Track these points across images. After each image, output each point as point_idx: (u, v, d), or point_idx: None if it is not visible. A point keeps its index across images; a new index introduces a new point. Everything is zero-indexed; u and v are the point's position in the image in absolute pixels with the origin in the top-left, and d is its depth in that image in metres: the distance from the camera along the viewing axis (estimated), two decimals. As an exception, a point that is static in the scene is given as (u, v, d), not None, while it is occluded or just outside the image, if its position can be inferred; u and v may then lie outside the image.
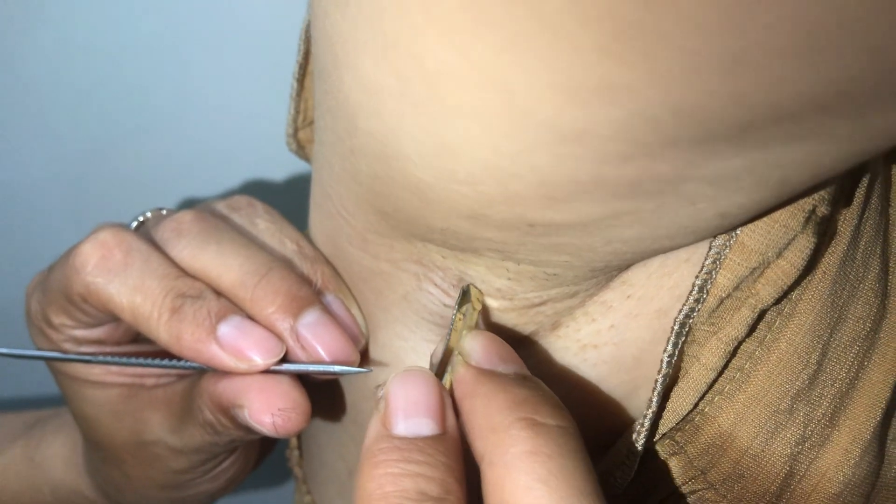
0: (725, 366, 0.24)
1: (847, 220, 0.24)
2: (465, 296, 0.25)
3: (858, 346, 0.25)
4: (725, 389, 0.24)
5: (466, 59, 0.16)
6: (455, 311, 0.25)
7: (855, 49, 0.14)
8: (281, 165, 0.52)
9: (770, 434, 0.24)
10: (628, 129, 0.16)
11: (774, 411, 0.24)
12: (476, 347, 0.23)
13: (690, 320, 0.23)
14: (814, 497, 0.25)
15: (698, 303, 0.23)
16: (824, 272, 0.24)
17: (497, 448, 0.20)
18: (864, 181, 0.24)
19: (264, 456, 0.41)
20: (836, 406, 0.25)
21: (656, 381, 0.23)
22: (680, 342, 0.23)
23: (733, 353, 0.24)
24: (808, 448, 0.25)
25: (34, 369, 0.53)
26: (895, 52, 0.14)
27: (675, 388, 0.24)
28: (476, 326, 0.25)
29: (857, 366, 0.25)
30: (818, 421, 0.24)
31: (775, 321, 0.24)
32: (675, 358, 0.23)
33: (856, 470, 0.25)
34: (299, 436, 0.38)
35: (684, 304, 0.23)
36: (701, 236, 0.22)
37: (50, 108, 0.52)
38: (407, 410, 0.22)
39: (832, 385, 0.25)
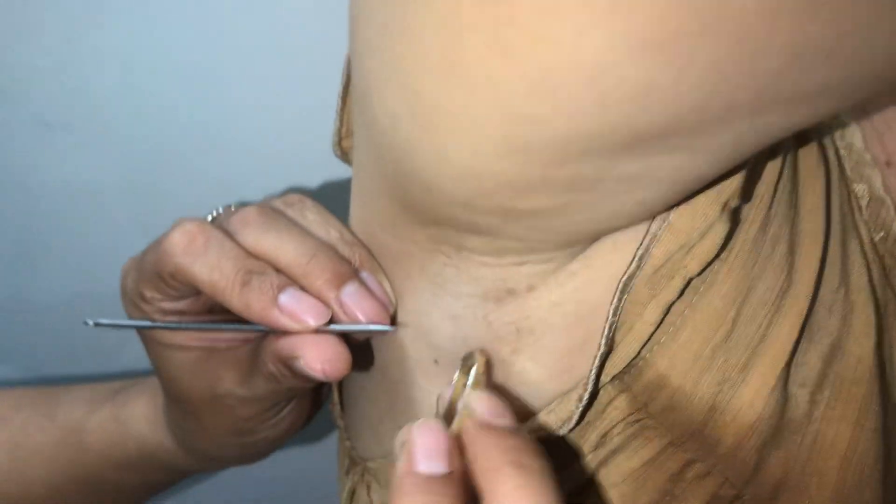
0: (661, 321, 0.32)
1: (757, 211, 0.32)
2: (466, 360, 0.33)
3: (767, 309, 0.32)
4: (662, 340, 0.32)
5: (447, 98, 0.24)
6: (458, 373, 0.33)
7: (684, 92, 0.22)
8: (328, 170, 0.60)
9: (697, 375, 0.32)
10: (556, 145, 0.24)
11: (699, 357, 0.32)
12: (480, 404, 0.30)
13: (631, 283, 0.31)
14: (732, 426, 0.32)
15: (638, 269, 0.31)
16: (739, 250, 0.32)
17: (492, 485, 0.26)
18: (772, 179, 0.32)
19: (315, 412, 0.47)
20: (748, 355, 0.32)
21: (603, 328, 0.31)
22: (623, 299, 0.31)
23: (667, 312, 0.32)
24: (727, 387, 0.32)
25: (122, 349, 0.61)
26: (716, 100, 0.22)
27: (623, 339, 0.32)
28: (479, 384, 0.32)
29: (765, 325, 0.32)
30: (734, 366, 0.32)
31: (700, 287, 0.32)
32: (620, 312, 0.31)
33: (764, 406, 0.32)
34: (340, 392, 0.45)
35: (626, 270, 0.31)
36: (633, 220, 0.30)
37: (117, 118, 0.58)
38: (426, 454, 0.28)
39: (745, 339, 0.32)
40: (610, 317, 0.31)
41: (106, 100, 0.58)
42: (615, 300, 0.31)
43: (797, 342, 0.32)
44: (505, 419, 0.30)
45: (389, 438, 0.39)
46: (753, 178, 0.32)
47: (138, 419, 0.48)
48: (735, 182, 0.31)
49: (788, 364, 0.32)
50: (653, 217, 0.31)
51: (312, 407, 0.47)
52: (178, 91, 0.58)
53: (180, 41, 0.57)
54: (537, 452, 0.28)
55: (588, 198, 0.27)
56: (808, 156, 0.34)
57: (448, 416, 0.32)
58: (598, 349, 0.32)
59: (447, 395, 0.33)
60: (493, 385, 0.34)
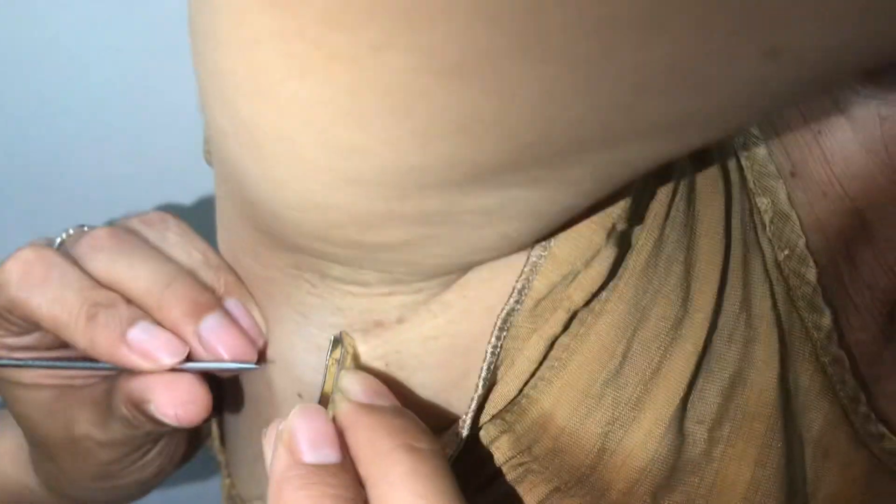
0: (545, 356, 0.29)
1: (648, 234, 0.29)
2: (336, 343, 0.30)
3: (661, 340, 0.29)
4: (546, 376, 0.29)
5: (261, 118, 0.21)
6: (328, 357, 0.30)
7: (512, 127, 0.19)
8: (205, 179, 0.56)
9: (584, 415, 0.29)
10: (388, 178, 0.21)
11: (586, 395, 0.29)
12: (355, 385, 0.28)
13: (511, 318, 0.28)
14: (623, 470, 0.30)
15: (518, 303, 0.28)
16: (629, 277, 0.29)
17: (380, 470, 0.24)
18: (665, 199, 0.29)
19: (195, 449, 0.45)
20: (640, 392, 0.29)
21: (481, 368, 0.28)
22: (502, 336, 0.28)
23: (551, 347, 0.29)
24: (617, 427, 0.29)
25: None
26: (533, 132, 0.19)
27: (503, 376, 0.29)
28: (351, 366, 0.30)
29: (658, 357, 0.29)
30: (625, 404, 0.29)
31: (587, 318, 0.29)
32: (499, 349, 0.28)
33: (659, 446, 0.29)
34: (221, 427, 0.42)
35: (506, 304, 0.28)
36: (500, 252, 0.27)
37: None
38: (313, 441, 0.26)
39: (636, 374, 0.29)
40: (488, 356, 0.28)
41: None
42: (493, 337, 0.28)
43: (694, 375, 0.30)
44: (386, 399, 0.28)
45: (265, 480, 0.36)
46: (643, 199, 0.29)
47: (1, 458, 0.45)
48: (622, 205, 0.28)
49: (685, 399, 0.30)
50: (525, 248, 0.28)
51: (189, 445, 0.44)
52: (55, 89, 0.54)
53: (62, 36, 0.53)
54: (427, 433, 0.26)
55: (443, 231, 0.24)
56: (706, 168, 0.31)
57: (322, 404, 0.29)
58: (476, 391, 0.29)
59: (317, 392, 0.30)
60: None
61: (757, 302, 0.31)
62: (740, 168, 0.33)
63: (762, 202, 0.32)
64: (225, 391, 0.39)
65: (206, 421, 0.42)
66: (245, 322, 0.34)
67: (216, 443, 0.43)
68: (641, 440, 0.29)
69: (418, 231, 0.24)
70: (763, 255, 0.32)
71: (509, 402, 0.30)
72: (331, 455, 0.26)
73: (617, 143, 0.20)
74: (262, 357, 0.34)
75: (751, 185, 0.32)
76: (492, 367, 0.28)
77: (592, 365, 0.29)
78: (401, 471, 0.24)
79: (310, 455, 0.26)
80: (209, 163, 0.40)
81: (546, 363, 0.29)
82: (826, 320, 0.32)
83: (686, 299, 0.30)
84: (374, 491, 0.25)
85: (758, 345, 0.31)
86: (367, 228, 0.23)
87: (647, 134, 0.20)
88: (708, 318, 0.30)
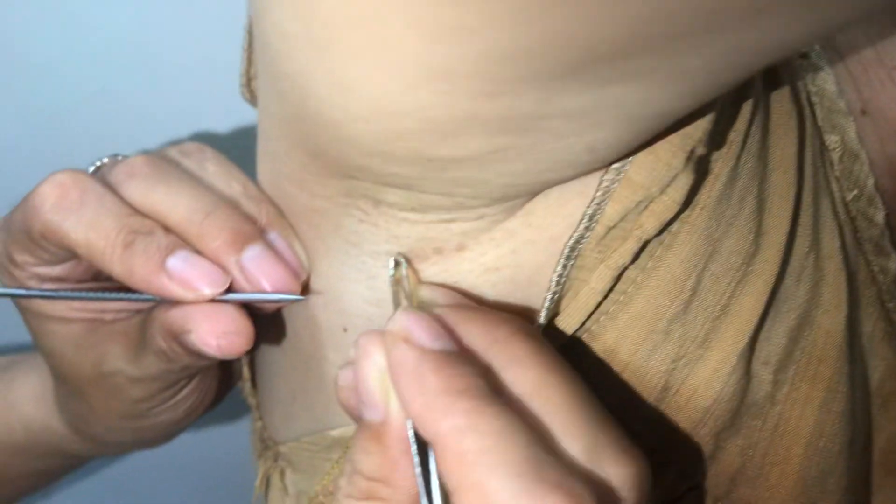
0: (611, 289, 0.28)
1: (724, 162, 0.28)
2: (397, 265, 0.29)
3: (731, 276, 0.28)
4: (610, 310, 0.28)
5: (350, 3, 0.19)
6: (391, 278, 0.29)
7: None
8: (235, 117, 0.55)
9: (649, 351, 0.28)
10: (483, 67, 0.19)
11: (652, 331, 0.28)
12: (440, 295, 0.27)
13: (580, 245, 0.27)
14: (686, 409, 0.28)
15: (588, 230, 0.27)
16: (702, 208, 0.28)
17: (506, 355, 0.24)
18: (741, 126, 0.28)
19: (225, 391, 0.44)
20: (708, 329, 0.28)
21: (545, 298, 0.27)
22: (569, 265, 0.27)
23: (618, 278, 0.28)
24: (682, 365, 0.28)
25: (6, 317, 0.56)
26: None
27: (565, 308, 0.28)
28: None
29: (728, 294, 0.28)
30: (692, 341, 0.28)
31: (656, 251, 0.28)
32: (564, 279, 0.27)
33: (724, 387, 0.28)
34: (252, 367, 0.41)
35: (575, 231, 0.27)
36: (580, 169, 0.26)
37: (11, 64, 0.54)
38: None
39: (705, 310, 0.28)
40: (553, 286, 0.27)
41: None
42: (559, 266, 0.27)
43: (763, 315, 0.28)
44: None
45: (303, 419, 0.36)
46: (722, 123, 0.27)
47: (26, 400, 0.44)
48: (702, 126, 0.26)
49: (753, 339, 0.29)
50: (605, 166, 0.26)
51: (222, 384, 0.43)
52: (65, 31, 0.53)
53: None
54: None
55: (526, 141, 0.22)
56: (780, 100, 0.30)
57: None
58: (536, 322, 0.27)
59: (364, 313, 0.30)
60: None
61: (826, 241, 0.30)
62: (810, 104, 0.31)
63: (831, 139, 0.31)
64: (258, 330, 0.38)
65: (246, 354, 0.42)
66: (287, 255, 0.33)
67: (247, 384, 0.42)
68: (706, 379, 0.28)
69: (497, 141, 0.22)
70: (832, 194, 0.31)
71: (569, 337, 0.28)
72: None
73: (742, 21, 0.18)
74: (304, 290, 0.33)
75: (820, 121, 0.31)
76: (556, 297, 0.27)
77: (660, 299, 0.28)
78: (527, 351, 0.24)
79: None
80: (247, 98, 0.39)
81: (611, 296, 0.28)
82: (893, 264, 0.31)
83: (758, 234, 0.28)
84: (506, 374, 0.24)
85: (826, 286, 0.30)
86: (441, 138, 0.22)
87: (774, 8, 0.18)
88: (779, 255, 0.28)
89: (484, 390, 0.23)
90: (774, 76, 0.30)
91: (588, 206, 0.27)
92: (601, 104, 0.21)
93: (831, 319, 0.30)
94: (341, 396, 0.28)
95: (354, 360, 0.26)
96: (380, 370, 0.25)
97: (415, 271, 0.29)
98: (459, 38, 0.19)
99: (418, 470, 0.24)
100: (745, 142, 0.28)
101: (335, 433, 0.34)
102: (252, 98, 0.39)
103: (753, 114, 0.28)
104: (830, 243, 0.30)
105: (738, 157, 0.28)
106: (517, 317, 0.25)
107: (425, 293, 0.27)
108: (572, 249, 0.27)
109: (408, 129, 0.22)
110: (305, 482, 0.37)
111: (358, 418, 0.27)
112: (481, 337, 0.25)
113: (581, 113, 0.21)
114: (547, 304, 0.27)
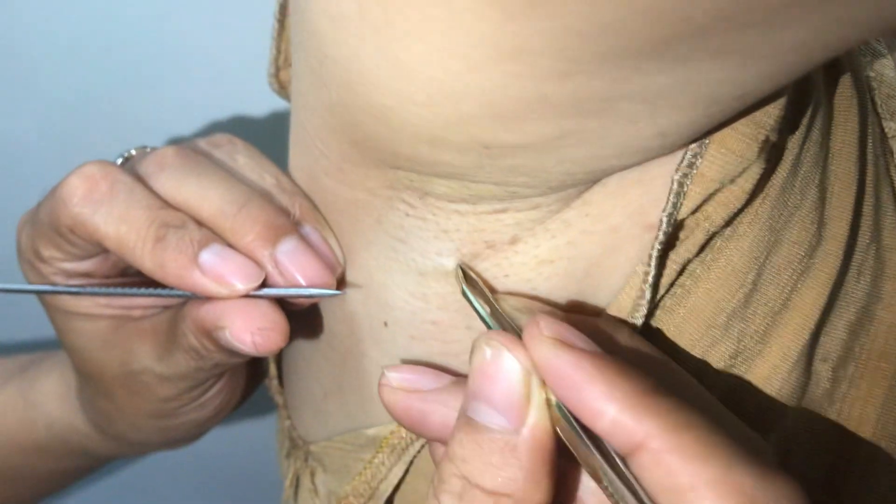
0: (673, 283, 0.27)
1: (789, 150, 0.27)
2: (464, 272, 0.28)
3: (792, 269, 0.27)
4: (667, 304, 0.27)
5: None
6: (463, 286, 0.27)
7: None
8: (263, 106, 0.54)
9: (707, 347, 0.27)
10: (560, 44, 0.18)
11: (711, 325, 0.27)
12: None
13: (674, 219, 0.25)
14: (744, 407, 0.27)
15: (664, 234, 0.25)
16: (764, 197, 0.26)
17: None
18: (807, 112, 0.27)
19: (252, 390, 0.43)
20: (768, 324, 0.27)
21: (643, 290, 0.26)
22: (652, 270, 0.25)
23: (681, 272, 0.26)
24: (741, 361, 0.27)
25: (30, 313, 0.56)
26: None
27: (620, 301, 0.27)
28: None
29: (790, 287, 0.27)
30: (751, 336, 0.27)
31: (716, 242, 0.27)
32: (652, 284, 0.26)
33: (783, 384, 0.27)
34: (279, 365, 0.41)
35: (659, 229, 0.25)
36: (646, 156, 0.24)
37: (33, 56, 0.53)
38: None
39: (766, 304, 0.27)
40: (647, 293, 0.26)
41: (21, 44, 0.52)
42: (652, 270, 0.25)
43: (824, 309, 0.27)
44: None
45: (336, 418, 0.35)
46: (789, 108, 0.26)
47: (48, 398, 0.44)
48: (774, 113, 0.25)
49: (813, 335, 0.27)
50: (673, 151, 0.25)
51: (249, 383, 0.42)
52: (92, 23, 0.52)
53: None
54: None
55: (594, 125, 0.21)
56: (841, 86, 0.29)
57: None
58: (632, 323, 0.26)
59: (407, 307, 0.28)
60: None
61: (887, 233, 0.29)
62: (870, 90, 0.30)
63: (891, 127, 0.30)
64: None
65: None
66: (322, 249, 0.32)
67: (274, 382, 0.41)
68: (765, 376, 0.27)
69: (564, 125, 0.21)
70: (893, 183, 0.30)
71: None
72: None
73: None
74: (339, 285, 0.32)
75: (879, 108, 0.30)
76: (649, 306, 0.26)
77: (720, 293, 0.27)
78: None
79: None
80: (274, 88, 0.38)
81: (669, 290, 0.27)
82: None
83: (821, 224, 0.27)
84: None
85: (887, 280, 0.29)
86: (502, 123, 0.21)
87: None
88: (841, 247, 0.27)
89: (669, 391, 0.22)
90: (834, 60, 0.29)
91: (664, 209, 0.25)
92: (681, 84, 0.20)
93: (893, 314, 0.29)
94: (387, 397, 0.27)
95: (482, 360, 0.24)
96: (525, 372, 0.23)
97: (483, 277, 0.28)
98: (537, 14, 0.18)
99: (611, 477, 0.22)
100: (808, 128, 0.27)
101: (371, 432, 0.33)
102: (280, 88, 0.38)
103: (816, 99, 0.27)
104: (891, 235, 0.29)
105: (802, 145, 0.27)
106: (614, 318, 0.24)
107: (508, 303, 0.26)
108: (665, 238, 0.26)
109: (467, 114, 0.21)
110: (336, 483, 0.36)
111: (404, 418, 0.26)
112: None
113: (658, 94, 0.20)
114: (642, 311, 0.26)
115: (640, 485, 0.21)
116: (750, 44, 0.19)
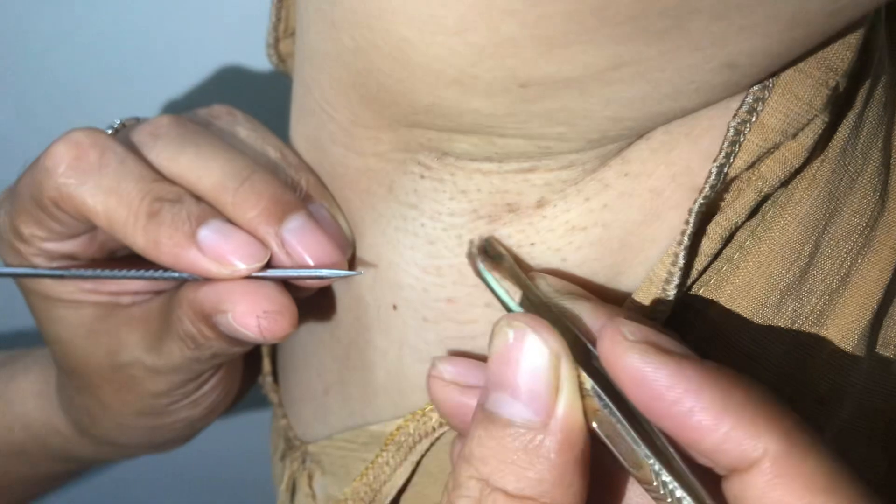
0: (717, 253, 0.24)
1: (852, 106, 0.25)
2: (482, 247, 0.26)
3: (853, 240, 0.25)
4: (712, 281, 0.25)
5: None
6: (480, 264, 0.25)
7: None
8: (260, 83, 0.53)
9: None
10: None
11: (762, 304, 0.25)
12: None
13: (724, 173, 0.23)
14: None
15: (713, 189, 0.23)
16: (823, 159, 0.25)
17: None
18: (872, 65, 0.25)
19: (246, 389, 0.42)
20: (825, 303, 0.25)
21: (671, 273, 0.23)
22: (691, 232, 0.23)
23: (729, 239, 0.24)
24: (796, 346, 0.25)
25: (6, 300, 0.54)
26: None
27: (652, 272, 0.24)
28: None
29: (850, 261, 0.25)
30: (806, 317, 0.25)
31: (768, 210, 0.25)
32: (688, 247, 0.23)
33: (843, 371, 0.25)
34: (273, 361, 0.39)
35: (703, 187, 0.23)
36: (707, 96, 0.22)
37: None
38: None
39: (823, 280, 0.25)
40: (681, 257, 0.23)
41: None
42: (690, 230, 0.23)
43: (889, 287, 0.25)
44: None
45: (337, 414, 0.33)
46: (862, 54, 0.24)
47: (25, 397, 0.42)
48: (847, 55, 0.23)
49: (876, 317, 0.25)
50: (735, 93, 0.23)
51: (245, 378, 0.40)
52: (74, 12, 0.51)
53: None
54: None
55: (654, 52, 0.19)
56: None
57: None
58: (663, 297, 0.24)
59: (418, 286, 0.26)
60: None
61: None
62: None
63: None
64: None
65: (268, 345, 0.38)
66: (331, 227, 0.30)
67: (268, 379, 0.40)
68: (823, 363, 0.25)
69: (620, 51, 0.19)
70: None
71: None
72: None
73: None
74: (350, 267, 0.30)
75: None
76: (683, 273, 0.23)
77: (773, 267, 0.25)
78: None
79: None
80: (274, 62, 0.36)
81: (714, 264, 0.25)
82: None
83: (884, 193, 0.25)
84: None
85: None
86: (547, 49, 0.19)
87: None
88: None
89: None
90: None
91: (715, 159, 0.23)
92: None
93: None
94: (439, 392, 0.24)
95: (504, 344, 0.22)
96: (553, 356, 0.21)
97: (515, 254, 0.25)
98: None
99: (665, 479, 0.20)
100: (873, 84, 0.25)
101: (374, 428, 0.31)
102: (279, 62, 0.36)
103: (881, 52, 0.25)
104: None
105: (866, 102, 0.25)
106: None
107: (541, 286, 0.24)
108: (703, 204, 0.23)
109: (507, 39, 0.19)
110: (336, 486, 0.34)
111: (454, 416, 0.24)
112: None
113: (736, 6, 0.18)
114: (676, 280, 0.23)
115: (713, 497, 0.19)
116: None
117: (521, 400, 0.21)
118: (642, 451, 0.20)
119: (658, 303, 0.24)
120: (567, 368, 0.21)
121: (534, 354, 0.21)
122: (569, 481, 0.20)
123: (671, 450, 0.20)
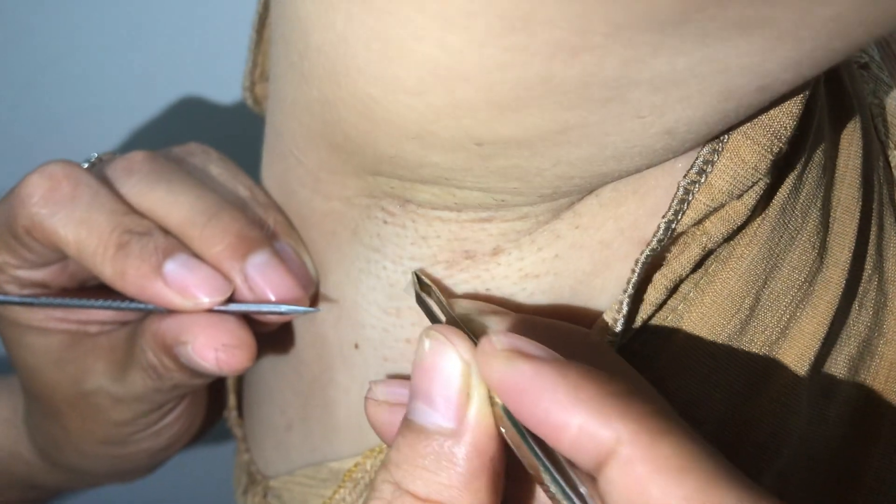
0: (661, 305, 0.25)
1: (792, 168, 0.26)
2: (419, 278, 0.26)
3: (792, 295, 0.26)
4: (658, 331, 0.26)
5: None
6: (417, 291, 0.26)
7: None
8: (235, 124, 0.53)
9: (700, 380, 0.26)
10: (574, 8, 0.17)
11: (706, 355, 0.26)
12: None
13: (672, 229, 0.24)
14: (739, 445, 0.26)
15: (660, 242, 0.24)
16: (764, 217, 0.25)
17: None
18: (811, 132, 0.26)
19: (211, 423, 0.41)
20: (765, 354, 0.26)
21: (615, 319, 0.24)
22: (637, 280, 0.24)
23: (672, 292, 0.25)
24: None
25: None
26: None
27: (601, 318, 0.25)
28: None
29: (788, 315, 0.26)
30: None
31: (711, 264, 0.25)
32: (632, 295, 0.24)
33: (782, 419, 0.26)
34: (239, 396, 0.39)
35: (651, 241, 0.24)
36: (648, 159, 0.23)
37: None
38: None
39: (763, 332, 0.26)
40: (625, 304, 0.24)
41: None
42: (634, 278, 0.24)
43: (824, 341, 0.26)
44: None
45: (299, 451, 0.33)
46: (802, 119, 0.25)
47: None
48: (788, 123, 0.24)
49: (813, 368, 0.26)
50: (675, 156, 0.24)
51: (211, 410, 0.40)
52: (49, 24, 0.51)
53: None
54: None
55: (598, 118, 0.20)
56: (844, 110, 0.28)
57: None
58: (609, 339, 0.24)
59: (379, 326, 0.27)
60: None
61: (890, 264, 0.28)
62: (872, 116, 0.30)
63: (894, 155, 0.29)
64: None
65: (234, 379, 0.38)
66: (295, 264, 0.30)
67: (233, 413, 0.40)
68: (760, 413, 0.26)
69: (566, 116, 0.20)
70: (895, 213, 0.29)
71: None
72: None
73: None
74: (312, 304, 0.30)
75: (882, 135, 0.29)
76: (626, 317, 0.24)
77: (714, 319, 0.26)
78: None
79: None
80: (250, 103, 0.37)
81: (660, 314, 0.26)
82: None
83: (822, 250, 0.26)
84: None
85: (889, 314, 0.28)
86: (499, 113, 0.20)
87: None
88: (843, 275, 0.26)
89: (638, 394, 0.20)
90: (838, 84, 0.28)
91: (664, 216, 0.24)
92: (698, 69, 0.19)
93: (894, 351, 0.27)
94: (373, 414, 0.25)
95: (422, 354, 0.22)
96: (465, 365, 0.21)
97: (441, 284, 0.27)
98: None
99: (554, 477, 0.20)
100: (812, 149, 0.26)
101: (334, 465, 0.31)
102: (255, 104, 0.37)
103: (819, 119, 0.26)
104: (894, 267, 0.28)
105: (805, 165, 0.26)
106: (580, 328, 0.22)
107: (463, 307, 0.24)
108: (648, 256, 0.24)
109: (462, 102, 0.20)
110: None
111: (389, 436, 0.24)
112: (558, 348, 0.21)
113: (672, 81, 0.19)
114: (620, 326, 0.24)
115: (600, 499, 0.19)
116: (780, 17, 0.17)
117: (435, 407, 0.21)
118: (535, 454, 0.20)
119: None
120: (478, 377, 0.21)
121: (447, 363, 0.21)
122: (476, 487, 0.21)
123: (559, 455, 0.21)
